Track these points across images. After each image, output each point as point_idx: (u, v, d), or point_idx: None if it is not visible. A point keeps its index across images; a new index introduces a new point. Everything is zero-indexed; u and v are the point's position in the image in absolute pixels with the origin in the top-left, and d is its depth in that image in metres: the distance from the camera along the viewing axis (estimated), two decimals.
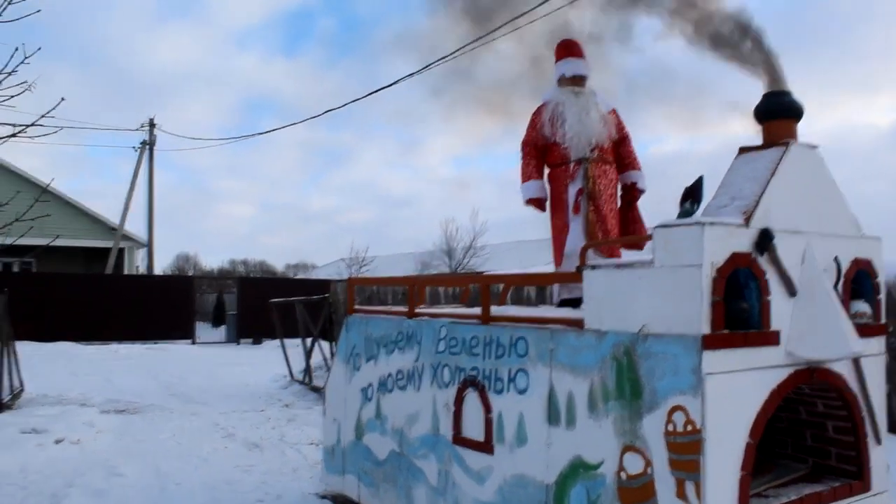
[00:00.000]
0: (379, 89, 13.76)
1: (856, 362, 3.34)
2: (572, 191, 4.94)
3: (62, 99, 5.20)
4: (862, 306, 3.43)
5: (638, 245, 4.90)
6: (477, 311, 4.19)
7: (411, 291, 4.90)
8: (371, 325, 5.17)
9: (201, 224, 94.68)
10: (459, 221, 38.58)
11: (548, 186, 5.14)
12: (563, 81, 5.12)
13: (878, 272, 3.58)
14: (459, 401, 4.10)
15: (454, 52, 10.79)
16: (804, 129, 3.42)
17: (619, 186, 5.12)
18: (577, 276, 3.42)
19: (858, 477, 3.38)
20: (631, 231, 5.03)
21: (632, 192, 5.15)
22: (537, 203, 5.10)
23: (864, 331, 3.39)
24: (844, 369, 3.33)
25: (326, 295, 12.94)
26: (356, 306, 5.58)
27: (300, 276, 49.60)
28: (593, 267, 3.33)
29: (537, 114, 5.13)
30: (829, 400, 3.42)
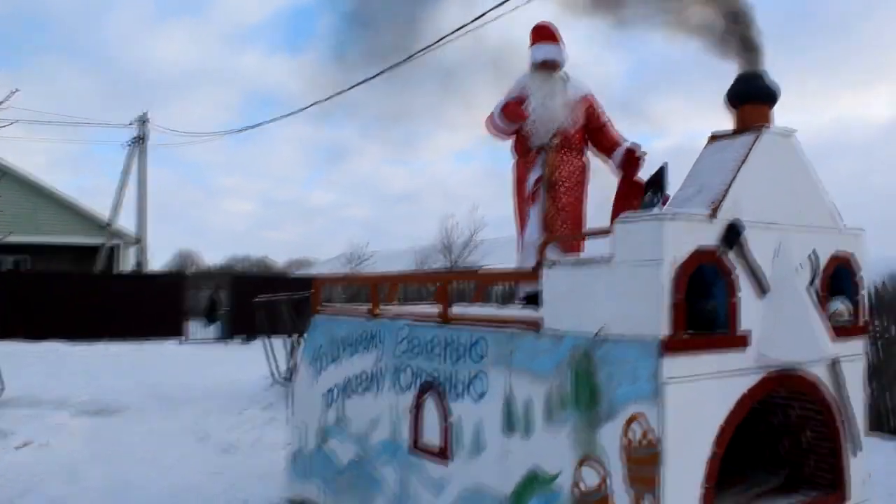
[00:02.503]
0: (355, 85, 13.37)
1: (833, 365, 3.12)
2: (531, 178, 4.76)
3: (15, 90, 4.97)
4: (840, 305, 3.21)
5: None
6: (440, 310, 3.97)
7: (374, 290, 4.70)
8: (336, 325, 4.97)
9: (203, 220, 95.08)
10: (458, 217, 38.49)
11: (514, 177, 4.97)
12: (535, 66, 4.94)
13: (859, 268, 3.35)
14: (418, 406, 3.90)
15: (423, 49, 10.50)
16: (804, 123, 3.20)
17: (618, 168, 4.79)
18: (534, 274, 3.22)
19: (836, 487, 3.18)
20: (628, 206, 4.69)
21: (631, 165, 4.72)
22: (514, 105, 4.75)
23: (842, 332, 3.17)
24: (821, 373, 3.11)
25: (312, 292, 12.72)
26: (324, 305, 5.35)
27: (301, 271, 49.43)
28: (552, 264, 3.08)
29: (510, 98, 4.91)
30: (804, 406, 3.20)
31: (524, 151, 4.84)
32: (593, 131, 4.87)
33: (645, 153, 4.68)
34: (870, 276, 3.50)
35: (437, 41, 11.07)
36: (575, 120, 4.77)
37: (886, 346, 7.82)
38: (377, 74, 13.05)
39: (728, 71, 3.33)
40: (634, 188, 4.46)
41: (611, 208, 4.55)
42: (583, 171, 4.84)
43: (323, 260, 50.49)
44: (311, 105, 16.66)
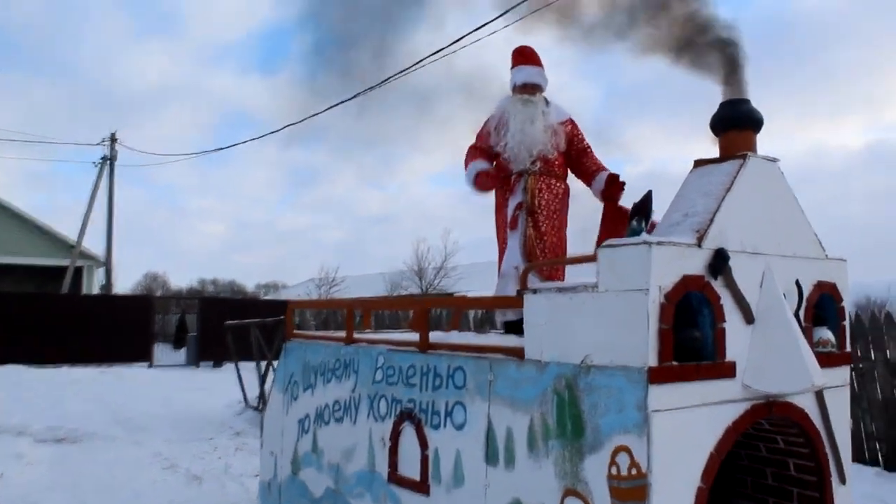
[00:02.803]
0: (329, 108, 13.36)
1: (819, 395, 3.08)
2: (511, 205, 4.71)
3: None
4: (825, 333, 3.19)
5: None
6: (417, 337, 3.89)
7: (349, 315, 4.60)
8: (309, 351, 4.86)
9: (172, 242, 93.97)
10: (431, 241, 38.32)
11: (494, 202, 4.93)
12: (515, 90, 4.92)
13: (843, 296, 3.34)
14: (396, 435, 3.79)
15: (397, 74, 10.53)
16: (782, 150, 3.19)
17: (596, 192, 4.80)
18: (517, 301, 3.14)
19: None
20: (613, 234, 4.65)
21: (610, 191, 4.71)
22: (487, 174, 4.75)
23: (828, 360, 3.13)
24: (807, 403, 3.07)
25: (282, 317, 12.53)
26: (296, 331, 5.24)
27: (272, 296, 48.91)
28: (534, 291, 3.03)
29: (486, 123, 4.93)
30: (790, 436, 3.16)
31: (503, 178, 4.80)
32: (575, 156, 4.84)
33: (621, 183, 4.69)
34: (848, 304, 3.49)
35: (411, 66, 11.08)
36: (556, 145, 4.74)
37: (863, 374, 7.86)
38: (351, 98, 13.10)
39: (703, 95, 3.31)
40: (620, 214, 4.47)
41: (596, 234, 4.54)
42: (564, 196, 4.80)
43: (293, 284, 50.15)
44: (285, 127, 16.58)
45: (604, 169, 4.79)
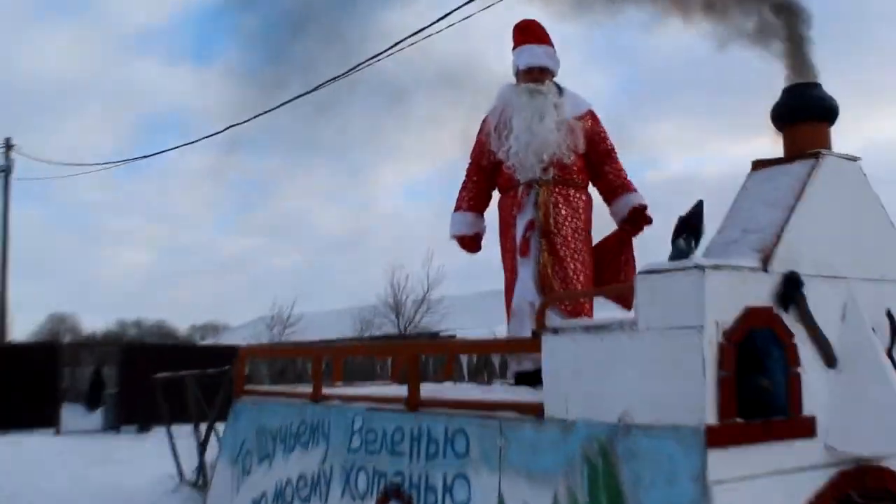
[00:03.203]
0: (281, 105, 13.35)
1: None
2: (520, 225, 4.73)
3: None
4: None
5: (625, 300, 4.36)
6: (404, 391, 3.86)
7: (317, 365, 4.57)
8: (266, 412, 4.83)
9: (84, 274, 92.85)
10: (410, 268, 38.36)
11: (498, 216, 5.00)
12: (519, 76, 4.95)
13: None
14: None
15: (365, 62, 10.61)
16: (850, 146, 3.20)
17: (615, 217, 4.97)
18: (532, 344, 3.20)
19: None
20: (623, 280, 4.76)
21: (630, 224, 4.89)
22: (463, 242, 5.06)
23: None
24: None
25: (227, 367, 12.43)
26: (248, 386, 5.21)
27: (210, 340, 48.67)
28: (554, 331, 3.08)
29: (484, 122, 4.95)
30: None
31: (508, 187, 4.82)
32: (595, 160, 4.88)
33: (647, 217, 4.91)
34: None
35: (382, 53, 11.04)
36: (573, 145, 4.75)
37: None
38: (308, 92, 13.05)
39: (751, 77, 3.31)
40: (625, 250, 4.79)
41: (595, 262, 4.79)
42: (586, 210, 4.82)
43: (238, 325, 49.73)
44: (226, 129, 16.50)
45: (629, 187, 4.88)
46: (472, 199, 4.99)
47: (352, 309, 35.01)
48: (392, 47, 10.64)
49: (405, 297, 33.98)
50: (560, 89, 4.90)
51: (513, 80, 5.04)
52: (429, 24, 10.32)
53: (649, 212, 4.80)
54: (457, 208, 5.00)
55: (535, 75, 4.89)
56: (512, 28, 5.04)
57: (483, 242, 5.16)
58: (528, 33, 4.97)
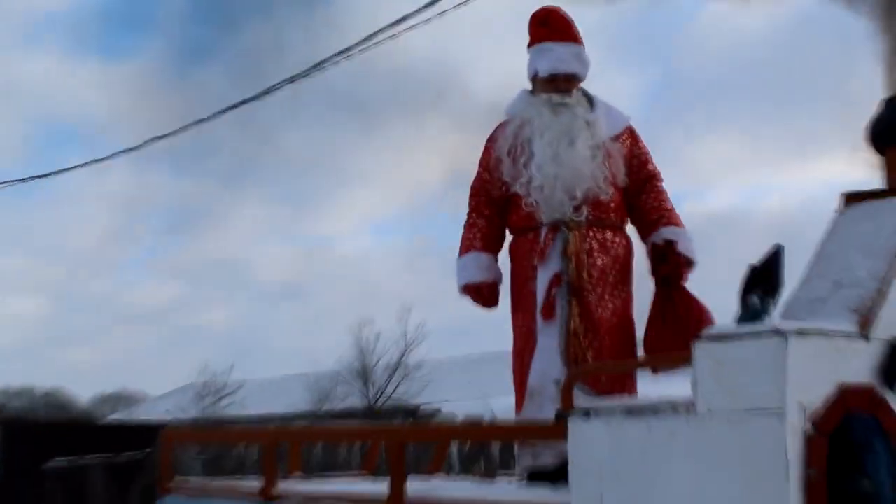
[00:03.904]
0: (215, 115, 13.19)
1: None
2: (543, 278, 4.60)
3: None
4: None
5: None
6: (383, 488, 3.83)
7: (269, 453, 4.47)
8: None
9: None
10: (381, 325, 37.73)
11: (509, 264, 4.92)
12: (538, 84, 4.85)
13: None
14: None
15: (322, 63, 10.57)
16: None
17: (650, 257, 4.82)
18: (554, 430, 3.24)
19: None
20: (671, 338, 4.54)
21: (671, 265, 4.70)
22: (479, 292, 4.87)
23: None
24: None
25: (147, 451, 12.26)
26: (178, 479, 5.09)
27: (121, 414, 48.23)
28: (585, 413, 3.10)
29: (491, 141, 4.88)
30: None
31: (526, 228, 4.74)
32: (633, 190, 4.80)
33: (690, 260, 4.73)
34: None
35: (343, 51, 10.90)
36: (612, 177, 4.66)
37: None
38: (250, 99, 12.87)
39: (827, 77, 3.28)
40: (680, 305, 4.58)
41: (643, 333, 4.62)
42: (626, 258, 4.74)
43: (157, 395, 48.98)
44: (144, 144, 16.10)
45: (670, 219, 4.80)
46: (483, 238, 4.87)
47: (306, 375, 34.58)
48: (355, 46, 10.46)
49: (375, 361, 33.80)
50: (590, 100, 4.84)
51: (527, 88, 4.96)
52: (398, 18, 10.13)
53: (683, 248, 4.66)
54: (465, 250, 4.88)
55: (561, 84, 4.78)
56: (529, 19, 4.96)
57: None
58: (551, 27, 4.86)
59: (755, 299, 2.89)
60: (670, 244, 4.62)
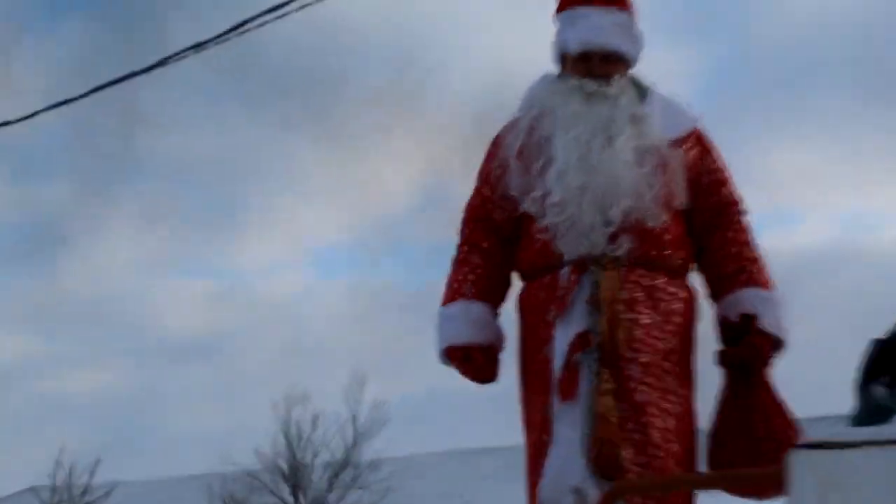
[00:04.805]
0: (56, 105, 11.86)
1: None
2: (562, 339, 3.83)
3: None
4: None
5: (763, 488, 3.57)
6: None
7: None
8: None
9: None
10: (320, 402, 33.52)
11: (517, 321, 4.16)
12: (567, 64, 4.05)
13: None
14: None
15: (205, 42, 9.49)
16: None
17: (719, 331, 4.01)
18: None
19: None
20: (744, 449, 3.78)
21: (748, 348, 3.82)
22: (468, 358, 3.96)
23: None
24: None
25: None
26: None
27: None
28: None
29: (496, 143, 4.12)
30: None
31: (541, 268, 3.95)
32: (703, 220, 3.98)
33: (777, 340, 3.81)
34: None
35: (270, 9, 9.84)
36: (667, 195, 3.87)
37: None
38: (113, 82, 11.77)
39: None
40: (757, 406, 3.72)
41: (710, 436, 3.80)
42: (687, 319, 3.96)
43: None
44: None
45: (753, 277, 3.91)
46: (479, 281, 3.97)
47: (208, 476, 30.30)
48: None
49: (311, 456, 30.02)
50: (642, 90, 4.06)
51: (551, 70, 4.13)
52: None
53: (770, 325, 3.79)
54: (451, 297, 4.00)
55: (597, 65, 3.92)
56: None
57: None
58: None
59: (880, 390, 2.49)
60: (749, 320, 3.78)
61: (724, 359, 3.86)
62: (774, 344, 3.82)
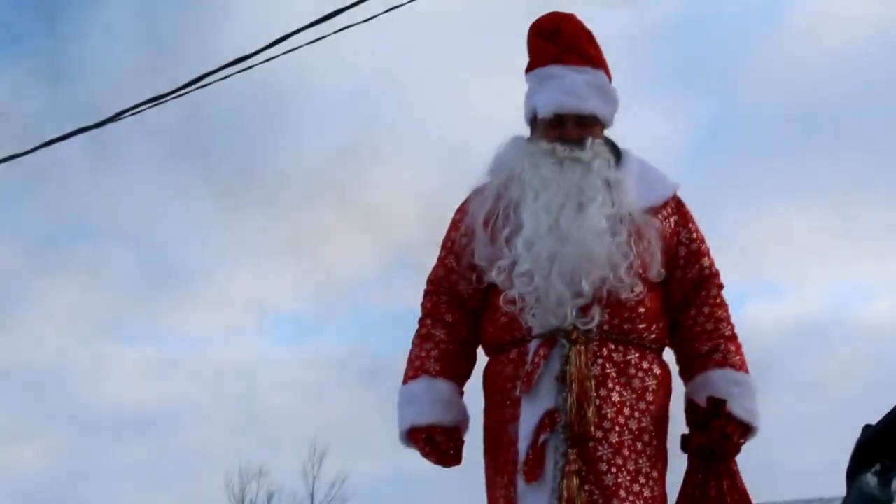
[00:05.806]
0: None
1: None
2: (529, 418, 3.65)
3: None
4: None
5: None
6: None
7: None
8: None
9: None
10: (276, 478, 30.96)
11: (483, 397, 3.99)
12: (539, 128, 3.87)
13: None
14: None
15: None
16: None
17: (686, 413, 3.83)
18: None
19: None
20: None
21: (715, 433, 3.63)
22: (431, 440, 3.75)
23: None
24: None
25: None
26: None
27: None
28: None
29: (461, 211, 3.97)
30: None
31: (507, 343, 3.78)
32: (681, 293, 3.83)
33: (749, 426, 3.64)
34: None
35: (240, 59, 9.45)
36: (643, 266, 3.68)
37: None
38: (63, 137, 11.38)
39: None
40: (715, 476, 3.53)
41: None
42: (660, 398, 3.76)
43: None
44: None
45: (727, 356, 3.72)
46: (443, 357, 3.78)
47: None
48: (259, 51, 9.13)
49: None
50: (617, 152, 3.89)
51: (522, 131, 3.96)
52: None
53: (739, 409, 3.62)
54: (413, 375, 3.79)
55: (571, 129, 3.76)
56: (528, 30, 3.96)
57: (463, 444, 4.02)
58: (560, 43, 3.85)
59: (871, 479, 2.22)
60: (719, 405, 3.59)
61: (689, 445, 3.67)
62: (744, 431, 3.65)
